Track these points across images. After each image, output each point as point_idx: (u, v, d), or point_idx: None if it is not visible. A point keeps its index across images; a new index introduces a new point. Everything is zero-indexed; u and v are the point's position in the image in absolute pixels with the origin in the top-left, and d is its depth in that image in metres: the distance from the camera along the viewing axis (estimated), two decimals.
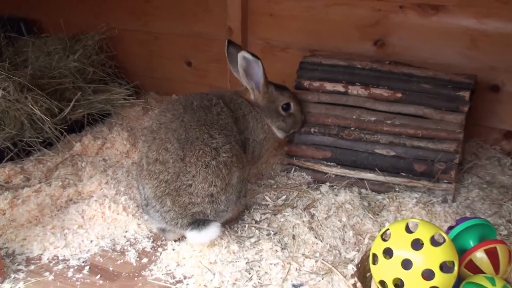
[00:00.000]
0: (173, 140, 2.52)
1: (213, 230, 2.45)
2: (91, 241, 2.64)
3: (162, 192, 2.49)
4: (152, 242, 2.66)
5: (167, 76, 4.44)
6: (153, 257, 2.55)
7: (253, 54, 2.79)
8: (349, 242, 2.59)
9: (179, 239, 2.65)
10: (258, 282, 2.34)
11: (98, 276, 2.41)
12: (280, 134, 3.09)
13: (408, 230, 1.91)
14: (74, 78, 4.00)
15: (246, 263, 2.43)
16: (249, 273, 2.38)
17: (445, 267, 1.84)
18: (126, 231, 2.72)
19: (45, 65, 4.07)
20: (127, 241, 2.66)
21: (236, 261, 2.45)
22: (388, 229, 1.95)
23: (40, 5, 4.70)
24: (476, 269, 2.00)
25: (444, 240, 1.88)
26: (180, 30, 4.24)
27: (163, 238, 2.68)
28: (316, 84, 3.24)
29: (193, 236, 2.45)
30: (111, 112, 3.98)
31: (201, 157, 2.48)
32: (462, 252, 2.02)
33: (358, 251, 2.51)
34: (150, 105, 4.20)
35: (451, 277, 1.85)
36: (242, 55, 2.79)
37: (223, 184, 2.51)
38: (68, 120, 3.65)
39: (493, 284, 1.88)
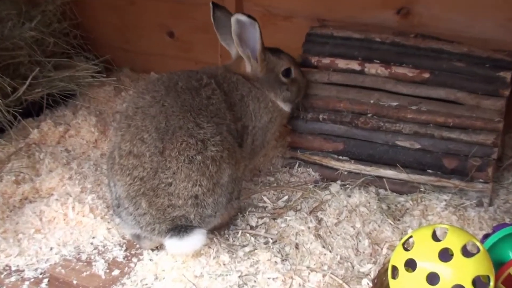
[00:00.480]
0: (151, 128, 2.54)
1: (197, 238, 2.47)
2: (51, 249, 2.67)
3: (136, 192, 2.51)
4: (125, 250, 2.69)
5: (144, 49, 4.48)
6: (126, 268, 2.58)
7: (248, 15, 2.82)
8: (363, 252, 2.63)
9: (157, 247, 2.67)
10: None
11: None
12: (287, 107, 3.14)
13: (435, 238, 1.94)
14: (31, 50, 4.01)
15: (239, 277, 2.46)
16: None
17: (478, 283, 1.88)
18: (93, 237, 2.75)
19: None
20: (94, 249, 2.69)
21: (226, 275, 2.47)
22: (411, 237, 1.99)
23: None
24: None
25: (478, 251, 1.91)
26: None
27: (138, 246, 2.71)
28: (326, 61, 3.27)
29: (173, 244, 2.47)
30: (75, 93, 4.01)
31: (184, 151, 2.50)
32: (499, 265, 2.06)
33: (374, 263, 2.54)
34: (124, 84, 4.24)
35: None
36: (236, 18, 2.81)
37: (211, 184, 2.53)
38: (23, 101, 3.68)
39: None
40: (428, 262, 1.90)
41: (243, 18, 2.80)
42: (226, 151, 2.60)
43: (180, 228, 2.47)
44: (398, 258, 1.97)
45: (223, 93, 2.84)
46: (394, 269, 1.98)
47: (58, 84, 3.92)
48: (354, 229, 2.74)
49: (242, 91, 2.95)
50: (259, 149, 3.06)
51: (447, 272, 1.87)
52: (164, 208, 2.49)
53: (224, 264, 2.54)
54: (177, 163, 2.49)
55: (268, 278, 2.45)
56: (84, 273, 2.55)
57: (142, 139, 2.53)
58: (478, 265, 1.88)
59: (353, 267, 2.54)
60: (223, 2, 3.87)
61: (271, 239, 2.70)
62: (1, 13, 4.26)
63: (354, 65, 3.22)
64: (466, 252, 1.89)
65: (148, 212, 2.50)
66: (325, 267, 2.52)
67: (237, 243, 2.69)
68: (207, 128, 2.59)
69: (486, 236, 2.15)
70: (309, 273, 2.48)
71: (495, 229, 2.14)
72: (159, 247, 2.66)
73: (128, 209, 2.54)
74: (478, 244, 1.93)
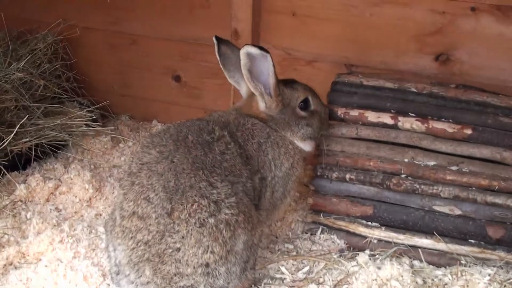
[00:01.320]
0: (158, 187, 2.61)
1: None
2: None
3: (139, 257, 2.57)
4: None
5: (147, 95, 4.57)
6: None
7: (259, 47, 2.91)
8: None
9: None
10: None
11: None
12: (307, 146, 3.21)
13: None
14: (18, 94, 4.08)
15: None
16: None
17: None
18: None
19: None
20: None
21: None
22: None
23: None
24: None
25: None
26: (166, 32, 4.38)
27: None
28: (355, 113, 3.34)
29: None
30: (67, 143, 4.07)
31: (195, 213, 2.55)
32: None
33: None
34: (122, 134, 4.32)
35: None
36: (245, 51, 2.90)
37: (224, 251, 2.57)
38: (8, 152, 3.71)
39: None
40: None
41: (253, 50, 2.90)
42: (242, 214, 2.64)
43: None
44: None
45: (238, 146, 2.90)
46: None
47: (48, 133, 3.96)
48: None
49: (260, 138, 3.02)
50: (280, 202, 3.09)
51: None
52: (171, 276, 2.54)
53: None
54: (186, 227, 2.53)
55: None
56: None
57: (148, 199, 2.59)
58: None
59: None
60: (237, 42, 3.99)
61: None
62: None
63: (386, 119, 3.28)
64: None
65: (152, 280, 2.55)
66: None
67: None
68: (221, 188, 2.64)
69: None
70: None
71: None
72: None
73: (129, 276, 2.59)
74: None
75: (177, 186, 2.60)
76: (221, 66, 3.22)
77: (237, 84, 3.23)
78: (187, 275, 2.54)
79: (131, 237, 2.58)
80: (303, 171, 3.28)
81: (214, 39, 3.21)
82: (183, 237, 2.53)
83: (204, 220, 2.54)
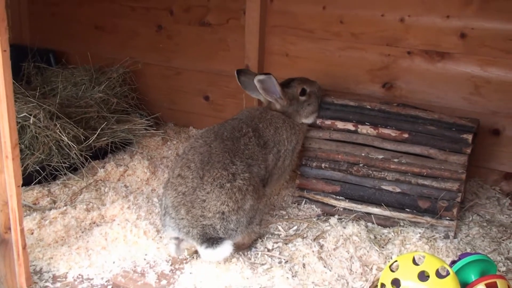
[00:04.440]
0: (197, 161, 2.72)
1: (226, 248, 2.56)
2: (114, 262, 2.71)
3: (179, 202, 2.65)
4: (171, 265, 2.72)
5: (186, 109, 4.55)
6: (172, 279, 2.61)
7: (264, 73, 3.08)
8: (356, 272, 2.65)
9: (194, 258, 2.73)
10: None
11: None
12: (311, 120, 3.31)
13: (415, 262, 1.99)
14: (99, 108, 4.11)
15: None
16: None
17: None
18: (146, 254, 2.78)
19: (72, 95, 4.21)
20: (147, 263, 2.73)
21: (249, 286, 2.51)
22: (396, 261, 2.03)
23: (69, 38, 4.85)
24: None
25: (448, 273, 1.95)
26: (200, 66, 4.37)
27: (180, 258, 2.75)
28: (328, 122, 3.32)
29: (208, 253, 2.57)
30: (132, 141, 4.07)
31: (218, 179, 2.64)
32: (464, 286, 2.09)
33: (365, 281, 2.56)
34: (169, 136, 4.30)
35: None
36: (257, 79, 3.06)
37: (235, 206, 2.63)
38: (92, 147, 3.74)
39: None
40: (409, 281, 1.94)
41: (261, 77, 3.06)
42: (251, 186, 2.70)
43: (213, 241, 2.56)
44: (386, 277, 2.01)
45: (258, 137, 2.97)
46: (383, 286, 2.02)
47: (119, 134, 4.00)
48: (348, 253, 2.76)
49: (277, 124, 3.10)
50: (288, 169, 3.18)
51: None
52: (198, 216, 2.60)
53: (247, 278, 2.57)
54: (211, 186, 2.61)
55: None
56: (139, 282, 2.59)
57: (189, 167, 2.71)
58: (449, 285, 1.93)
59: (347, 283, 2.57)
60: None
61: (284, 259, 2.73)
62: (77, 79, 4.39)
63: (350, 126, 3.27)
64: (439, 274, 1.94)
65: (185, 217, 2.61)
66: (326, 283, 2.55)
67: (258, 262, 2.72)
68: (239, 165, 2.72)
69: (453, 262, 2.19)
70: (313, 287, 2.51)
71: (461, 257, 2.18)
72: (197, 262, 2.69)
73: (171, 214, 2.66)
74: (448, 268, 1.98)
75: (209, 161, 2.70)
76: (243, 89, 3.34)
77: (258, 96, 3.32)
78: (208, 217, 2.59)
79: (175, 189, 2.67)
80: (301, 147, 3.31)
81: (235, 72, 3.31)
82: (208, 193, 2.61)
83: (223, 184, 2.62)
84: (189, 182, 2.66)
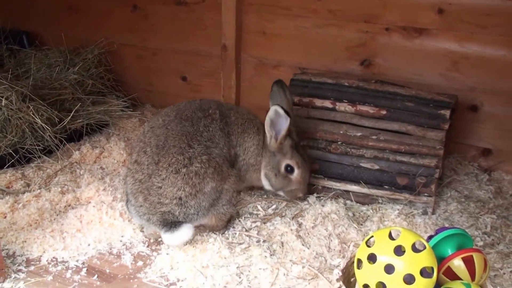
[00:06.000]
0: (153, 144, 2.66)
1: (184, 232, 2.52)
2: (89, 245, 2.67)
3: (136, 189, 2.62)
4: (147, 246, 2.69)
5: (163, 90, 4.49)
6: (148, 260, 2.58)
7: (285, 111, 2.75)
8: (334, 249, 2.64)
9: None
10: (248, 286, 2.38)
11: (95, 277, 2.45)
12: (263, 182, 2.99)
13: (391, 237, 1.97)
14: (74, 89, 4.03)
15: (237, 267, 2.48)
16: (240, 277, 2.43)
17: (425, 273, 1.91)
18: (122, 236, 2.75)
19: (46, 77, 4.12)
20: (123, 245, 2.69)
21: (227, 266, 2.49)
22: (372, 236, 2.02)
23: (42, 19, 4.75)
24: (453, 276, 2.06)
25: (425, 247, 1.94)
26: (177, 46, 4.30)
27: (156, 243, 2.72)
28: (306, 100, 3.30)
29: (167, 237, 2.53)
30: (108, 123, 4.01)
31: (173, 164, 2.58)
32: (441, 259, 2.08)
33: (343, 257, 2.56)
34: (146, 117, 4.25)
35: (430, 282, 1.91)
36: (274, 109, 2.76)
37: (193, 191, 2.57)
38: (67, 129, 3.68)
39: None
40: (385, 256, 1.92)
41: (281, 111, 2.75)
42: (211, 168, 2.62)
43: (171, 224, 2.52)
44: (362, 253, 2.00)
45: (224, 123, 2.84)
46: (359, 261, 2.01)
47: (95, 116, 3.93)
48: (326, 231, 2.76)
49: (248, 130, 2.91)
50: (243, 180, 2.97)
51: (401, 264, 1.90)
52: (155, 204, 2.56)
53: (225, 258, 2.55)
54: (166, 172, 2.56)
55: (260, 269, 2.47)
56: (115, 264, 2.55)
57: (145, 152, 2.65)
58: (425, 259, 1.91)
59: (326, 260, 2.56)
60: (225, 53, 3.96)
61: (262, 238, 2.71)
62: (50, 60, 4.30)
63: (328, 104, 3.25)
64: (415, 249, 1.92)
65: (143, 205, 2.58)
66: (304, 261, 2.54)
67: (235, 242, 2.70)
68: (197, 148, 2.64)
69: (430, 237, 2.18)
70: (291, 265, 2.50)
71: (437, 232, 2.17)
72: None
73: (131, 201, 2.64)
74: (425, 242, 1.96)
75: (165, 145, 2.63)
76: (269, 99, 3.00)
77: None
78: (165, 204, 2.56)
79: (132, 176, 2.63)
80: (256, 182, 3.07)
81: (273, 83, 3.03)
82: (163, 179, 2.56)
83: (178, 169, 2.57)
84: (144, 168, 2.60)
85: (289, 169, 2.91)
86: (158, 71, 4.47)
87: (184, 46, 4.28)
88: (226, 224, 2.80)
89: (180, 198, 2.55)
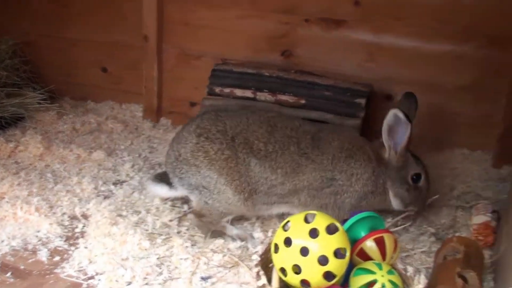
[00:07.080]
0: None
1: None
2: (2, 241, 2.57)
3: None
4: (65, 241, 2.63)
5: (82, 82, 4.38)
6: (65, 255, 2.52)
7: (406, 115, 2.49)
8: (257, 238, 2.67)
9: (89, 232, 2.66)
10: (168, 276, 2.37)
11: (9, 273, 2.37)
12: (395, 203, 2.69)
13: (306, 221, 2.02)
14: None
15: (157, 258, 2.47)
16: (160, 268, 2.41)
17: (338, 254, 1.97)
18: (38, 231, 2.67)
19: None
20: (39, 240, 2.61)
21: (147, 257, 2.47)
22: (288, 221, 2.06)
23: None
24: (366, 257, 2.13)
25: (338, 229, 2.01)
26: (96, 37, 4.21)
27: (76, 236, 2.66)
28: (227, 90, 3.32)
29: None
30: (24, 116, 3.89)
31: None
32: (354, 242, 2.15)
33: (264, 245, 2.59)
34: (64, 109, 4.15)
35: (344, 263, 1.98)
36: (394, 112, 2.50)
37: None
38: None
39: (380, 268, 2.03)
40: (300, 239, 1.97)
41: (401, 115, 2.49)
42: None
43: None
44: (279, 237, 2.04)
45: (312, 146, 2.64)
46: (276, 246, 2.04)
47: (10, 109, 3.81)
48: (250, 220, 2.80)
49: (353, 166, 2.62)
50: (339, 206, 2.67)
51: (315, 246, 1.95)
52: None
53: (145, 249, 2.52)
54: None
55: (180, 259, 2.46)
56: (30, 260, 2.47)
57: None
58: (338, 240, 1.98)
59: (248, 249, 2.59)
60: (147, 44, 3.91)
61: (184, 229, 2.72)
62: None
63: (249, 94, 3.29)
64: (329, 231, 1.98)
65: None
66: (225, 250, 2.56)
67: (156, 233, 2.67)
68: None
69: (344, 221, 2.25)
70: (212, 254, 2.50)
71: (351, 215, 2.24)
72: (92, 239, 2.61)
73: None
74: (338, 224, 2.03)
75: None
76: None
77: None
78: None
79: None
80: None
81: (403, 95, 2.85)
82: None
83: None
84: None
85: (416, 178, 2.66)
86: (78, 63, 4.35)
87: (105, 37, 4.18)
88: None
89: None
